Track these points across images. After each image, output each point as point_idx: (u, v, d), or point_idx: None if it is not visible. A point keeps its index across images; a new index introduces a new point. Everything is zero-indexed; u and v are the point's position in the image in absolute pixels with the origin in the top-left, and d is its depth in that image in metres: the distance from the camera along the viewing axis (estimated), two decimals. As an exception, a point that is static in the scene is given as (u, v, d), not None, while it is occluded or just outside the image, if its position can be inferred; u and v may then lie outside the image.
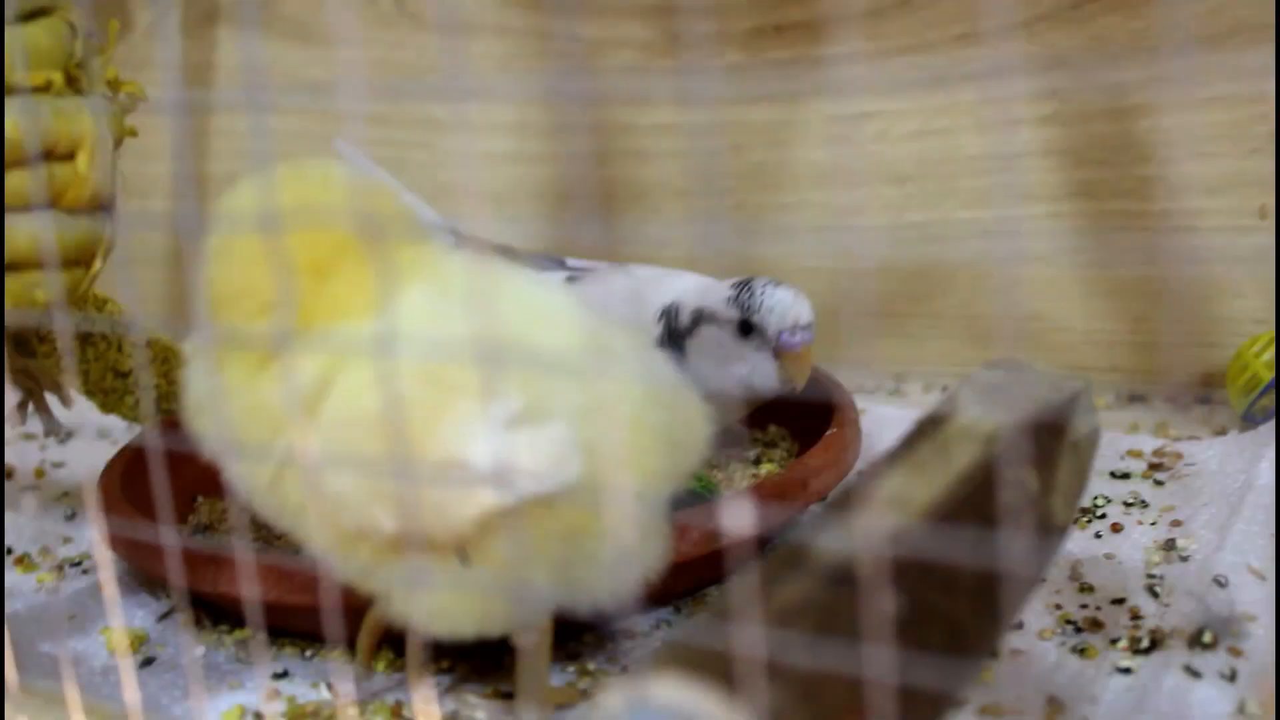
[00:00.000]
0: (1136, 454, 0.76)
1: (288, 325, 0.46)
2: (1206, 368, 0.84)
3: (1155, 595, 0.61)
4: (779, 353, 0.67)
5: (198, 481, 0.73)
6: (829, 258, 0.90)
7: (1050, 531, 0.46)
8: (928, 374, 0.92)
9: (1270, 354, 0.77)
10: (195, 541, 0.66)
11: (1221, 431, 0.79)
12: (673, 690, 0.32)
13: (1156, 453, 0.76)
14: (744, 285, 0.67)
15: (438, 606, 0.49)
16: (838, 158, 0.88)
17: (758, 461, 0.76)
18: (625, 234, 0.89)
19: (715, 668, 0.33)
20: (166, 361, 0.78)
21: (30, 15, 0.53)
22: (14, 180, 0.51)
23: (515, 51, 0.97)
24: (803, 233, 0.91)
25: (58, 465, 0.89)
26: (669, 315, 0.70)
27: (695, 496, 0.72)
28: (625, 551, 0.49)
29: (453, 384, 0.44)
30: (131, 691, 0.43)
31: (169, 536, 0.62)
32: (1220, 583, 0.59)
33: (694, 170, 0.92)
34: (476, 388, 0.45)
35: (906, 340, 0.91)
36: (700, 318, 0.68)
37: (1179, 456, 0.75)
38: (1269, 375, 0.76)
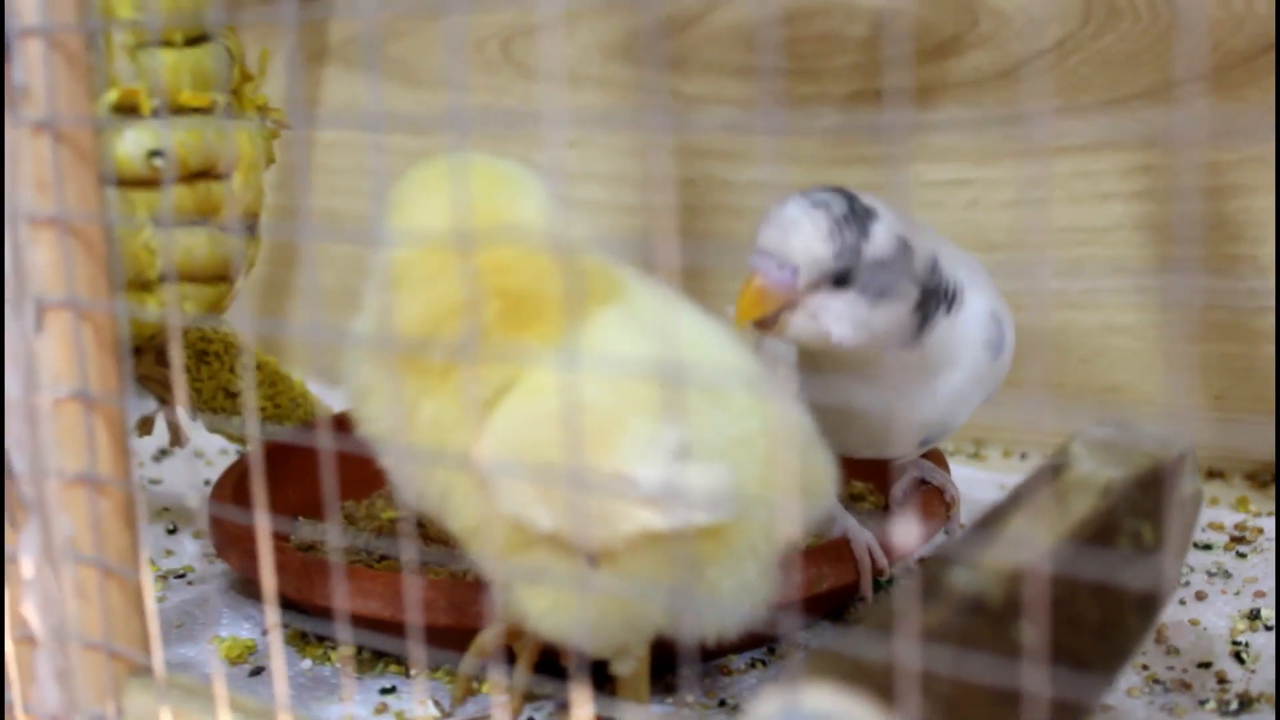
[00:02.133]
0: (1218, 526, 0.77)
1: (474, 339, 0.48)
2: (1286, 446, 0.85)
3: (1241, 661, 0.62)
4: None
5: (299, 504, 0.75)
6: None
7: (1161, 582, 0.48)
8: (1007, 440, 0.93)
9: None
10: (310, 555, 0.68)
11: (1301, 509, 0.80)
12: (826, 698, 0.34)
13: (1238, 526, 0.77)
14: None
15: (553, 605, 0.50)
16: (930, 223, 0.90)
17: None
18: (710, 287, 0.91)
19: (864, 679, 0.35)
20: (274, 385, 0.80)
21: (194, 40, 0.56)
22: (175, 195, 0.54)
23: (617, 103, 1.00)
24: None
25: (155, 482, 0.91)
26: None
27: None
28: (743, 587, 0.51)
29: (633, 402, 0.46)
30: (281, 685, 0.45)
31: (291, 540, 0.64)
32: (1308, 651, 0.61)
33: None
34: (654, 410, 0.47)
35: (988, 405, 0.93)
36: None
37: (1260, 531, 0.76)
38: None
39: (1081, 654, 0.41)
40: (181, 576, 0.74)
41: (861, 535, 0.64)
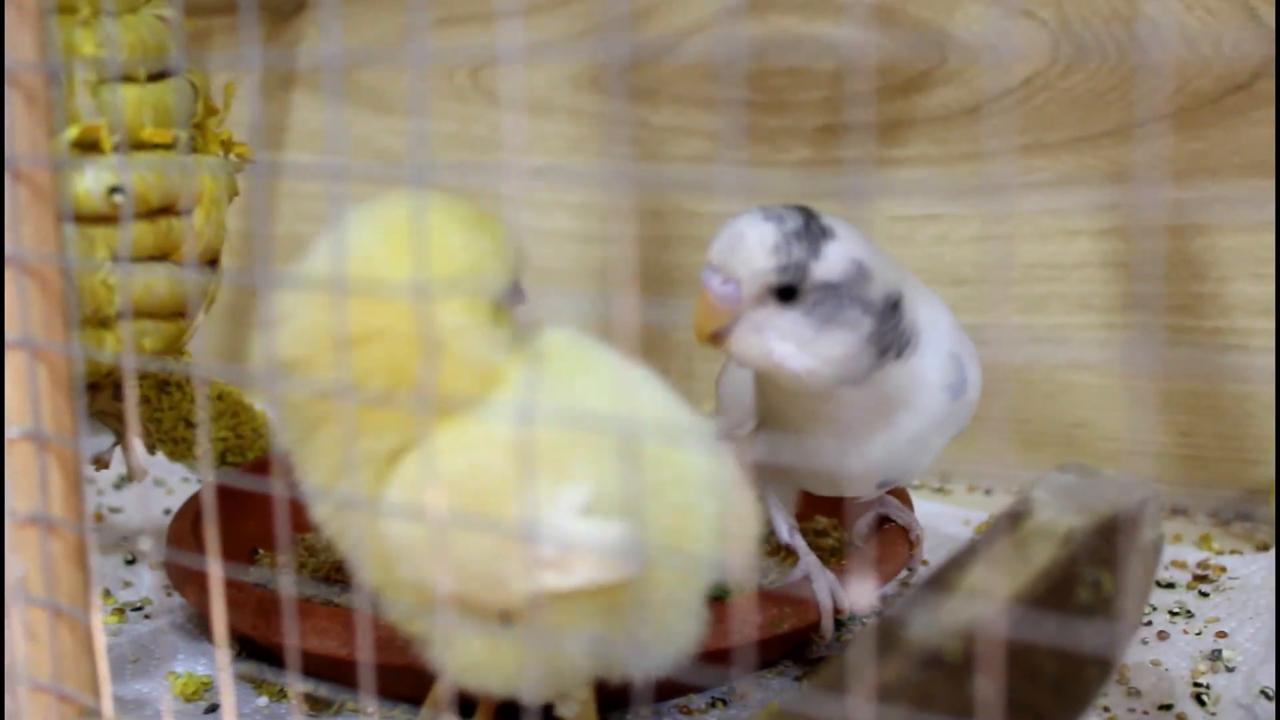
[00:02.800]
0: (1181, 564, 0.77)
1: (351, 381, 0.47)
2: (1249, 484, 0.85)
3: (1202, 703, 0.62)
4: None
5: (258, 535, 0.75)
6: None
7: (1122, 630, 0.48)
8: (972, 474, 0.93)
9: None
10: (267, 592, 0.68)
11: (1264, 547, 0.80)
12: (780, 758, 0.34)
13: (1201, 565, 0.77)
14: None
15: (471, 660, 0.50)
16: (897, 257, 0.90)
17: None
18: (677, 319, 0.91)
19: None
20: (236, 415, 0.80)
21: (157, 75, 0.56)
22: (135, 231, 0.53)
23: (587, 134, 1.00)
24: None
25: (115, 510, 0.90)
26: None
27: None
28: (665, 635, 0.51)
29: (533, 461, 0.45)
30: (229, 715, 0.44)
31: (242, 581, 0.63)
32: (1268, 695, 0.61)
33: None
34: (557, 467, 0.46)
35: (953, 440, 0.93)
36: None
37: (1222, 570, 0.76)
38: (1314, 495, 0.77)
39: (1039, 708, 0.41)
40: (139, 609, 0.74)
41: (822, 576, 0.63)
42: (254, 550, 0.76)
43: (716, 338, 0.56)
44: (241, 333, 1.10)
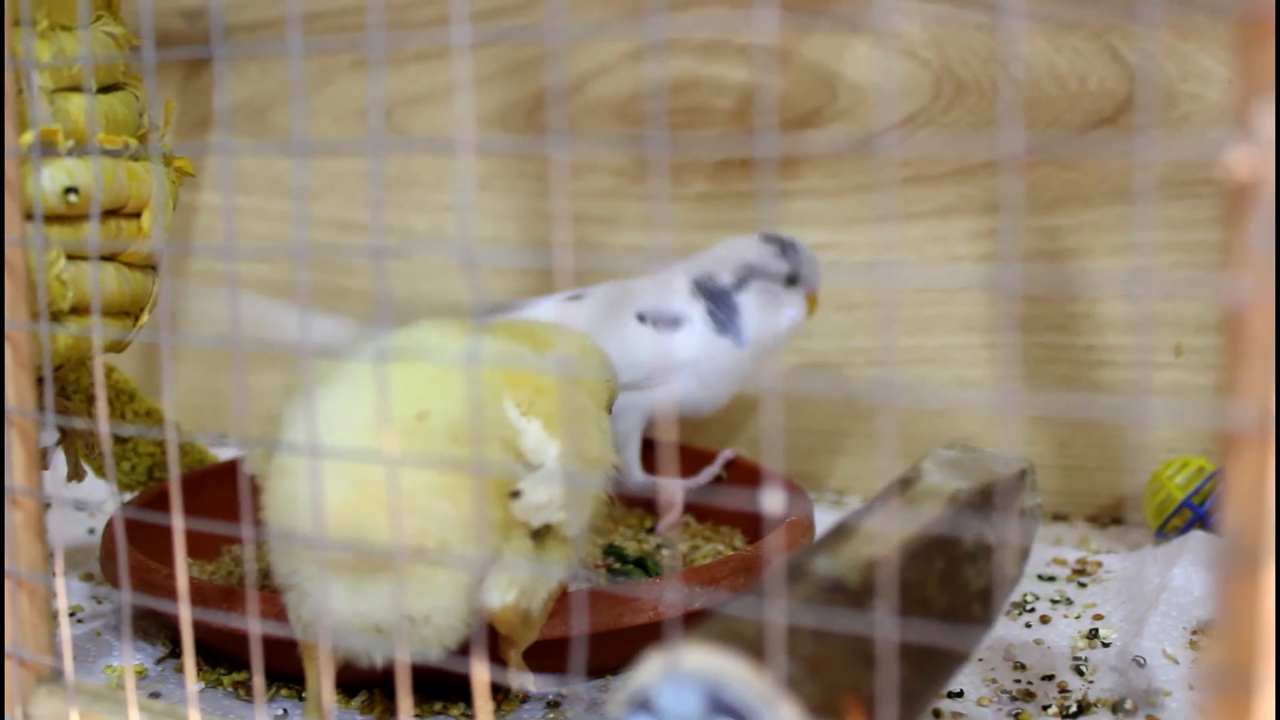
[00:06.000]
0: (1061, 562, 0.83)
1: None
2: (1123, 491, 0.91)
3: (1081, 673, 0.67)
4: (809, 296, 0.85)
5: (190, 547, 0.77)
6: (779, 379, 0.97)
7: (1002, 579, 0.53)
8: (867, 489, 0.99)
9: (1182, 477, 0.84)
10: (203, 580, 0.71)
11: (1136, 546, 0.86)
12: (704, 657, 0.38)
13: (1080, 561, 0.83)
14: (782, 243, 0.84)
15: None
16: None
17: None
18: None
19: (738, 641, 0.39)
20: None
21: (107, 88, 0.60)
22: (86, 231, 0.57)
23: (496, 170, 1.04)
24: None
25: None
26: (702, 285, 0.84)
27: (640, 571, 0.78)
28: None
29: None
30: (191, 683, 0.47)
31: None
32: (1139, 663, 0.66)
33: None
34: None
35: (848, 458, 0.98)
36: (750, 273, 0.83)
37: (1099, 565, 0.82)
38: (1181, 496, 0.83)
39: (930, 636, 0.46)
40: (72, 615, 0.76)
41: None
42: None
43: None
44: (158, 354, 1.13)
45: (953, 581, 0.48)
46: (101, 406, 0.50)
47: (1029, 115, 0.90)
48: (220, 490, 0.79)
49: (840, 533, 0.49)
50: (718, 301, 0.83)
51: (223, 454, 0.93)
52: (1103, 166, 0.89)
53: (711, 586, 0.65)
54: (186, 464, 0.84)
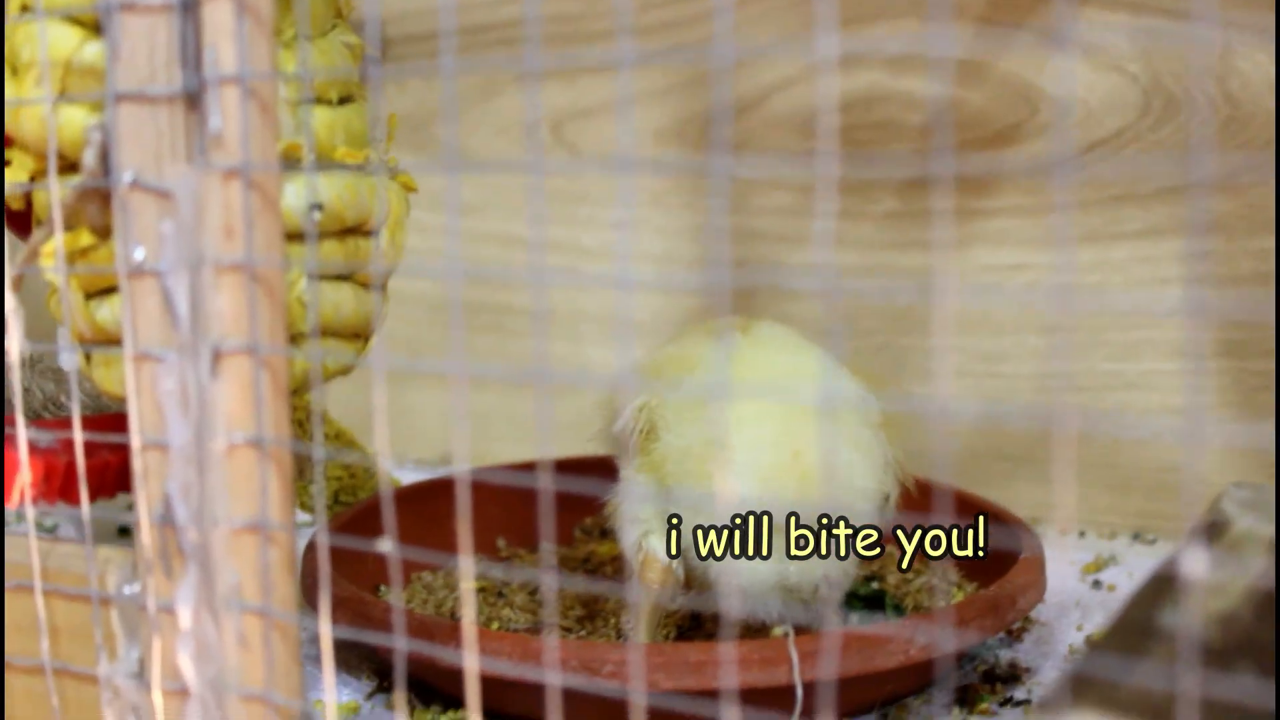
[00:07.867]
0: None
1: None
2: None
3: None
4: None
5: (379, 573, 0.75)
6: (973, 402, 0.93)
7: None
8: (1062, 518, 0.94)
9: None
10: (418, 614, 0.68)
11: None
12: (1092, 727, 0.35)
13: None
14: None
15: None
16: (988, 305, 0.92)
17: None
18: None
19: (1127, 705, 0.35)
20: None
21: (345, 99, 0.57)
22: (324, 249, 0.54)
23: (670, 186, 1.01)
24: (948, 376, 0.94)
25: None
26: None
27: (877, 605, 0.74)
28: None
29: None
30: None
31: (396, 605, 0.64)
32: None
33: (840, 310, 0.95)
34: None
35: (1044, 484, 0.94)
36: None
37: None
38: None
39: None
40: (264, 645, 0.73)
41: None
42: (376, 587, 0.76)
43: None
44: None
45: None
46: (318, 435, 0.47)
47: (1245, 133, 0.85)
48: (408, 515, 0.76)
49: (1165, 582, 0.45)
50: None
51: (405, 477, 0.91)
52: (1323, 185, 0.84)
53: (962, 628, 0.61)
54: (372, 487, 0.82)
